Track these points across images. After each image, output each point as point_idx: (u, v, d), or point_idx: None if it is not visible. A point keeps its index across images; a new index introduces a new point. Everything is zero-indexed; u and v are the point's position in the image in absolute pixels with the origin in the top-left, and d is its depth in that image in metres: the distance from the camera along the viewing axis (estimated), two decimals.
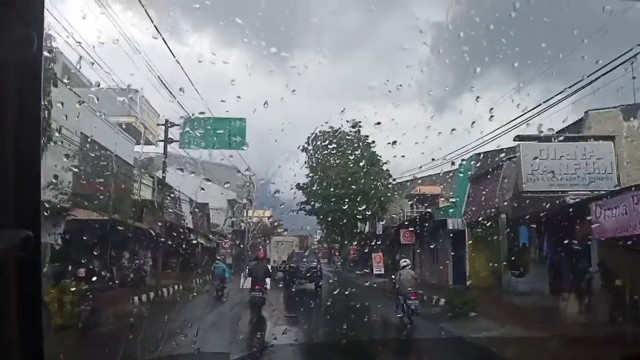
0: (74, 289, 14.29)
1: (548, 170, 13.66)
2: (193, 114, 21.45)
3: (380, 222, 34.11)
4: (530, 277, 17.76)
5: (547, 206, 15.13)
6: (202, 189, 39.71)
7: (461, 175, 23.75)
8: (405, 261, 15.42)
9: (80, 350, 9.82)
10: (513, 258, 18.40)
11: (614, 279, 12.73)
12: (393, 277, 15.66)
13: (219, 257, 33.13)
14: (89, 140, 20.13)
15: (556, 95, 14.54)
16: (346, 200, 38.64)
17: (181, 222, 34.37)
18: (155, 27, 24.93)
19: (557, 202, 14.83)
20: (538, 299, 15.56)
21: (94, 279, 15.78)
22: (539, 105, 15.66)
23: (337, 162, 39.29)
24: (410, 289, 13.76)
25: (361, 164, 39.36)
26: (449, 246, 26.70)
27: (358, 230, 44.30)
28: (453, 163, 22.86)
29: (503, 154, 18.93)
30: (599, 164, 13.58)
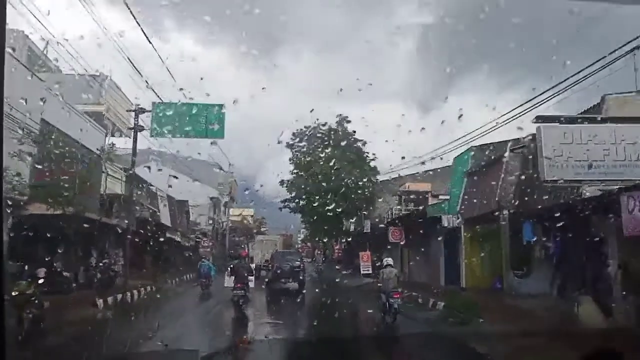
0: (29, 291, 12.40)
1: (573, 156, 12.02)
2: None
3: (368, 220, 32.49)
4: (535, 278, 16.20)
5: (559, 199, 13.64)
6: (174, 177, 37.12)
7: (458, 169, 22.18)
8: (388, 259, 15.18)
9: None
10: (516, 257, 16.87)
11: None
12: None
13: (204, 256, 33.20)
14: (50, 127, 18.21)
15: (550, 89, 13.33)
16: (331, 196, 37.01)
17: (157, 219, 32.32)
18: (137, 23, 23.01)
19: (574, 193, 13.28)
20: (547, 302, 13.98)
21: (48, 280, 13.88)
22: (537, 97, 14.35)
23: (322, 157, 37.60)
24: (393, 287, 13.67)
25: (347, 159, 37.74)
26: (441, 245, 25.15)
27: (344, 229, 42.63)
28: (441, 158, 21.68)
29: (510, 143, 17.36)
30: (632, 149, 12.01)
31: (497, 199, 17.70)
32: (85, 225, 18.37)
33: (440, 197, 33.80)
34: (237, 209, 73.08)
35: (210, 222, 54.99)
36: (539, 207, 14.57)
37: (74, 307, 14.71)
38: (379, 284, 14.47)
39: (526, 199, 15.98)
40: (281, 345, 9.47)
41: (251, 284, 17.33)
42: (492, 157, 18.83)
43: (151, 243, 29.68)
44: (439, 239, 25.13)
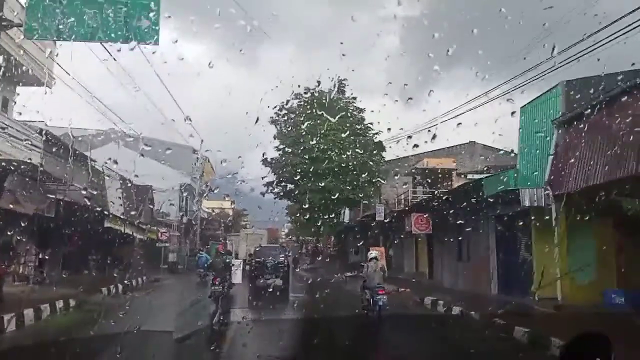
0: None
1: None
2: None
3: (382, 205, 24.80)
4: None
5: None
6: (141, 155, 30.73)
7: (534, 120, 14.61)
8: (372, 252, 14.32)
9: None
10: None
11: None
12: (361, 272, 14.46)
13: (200, 248, 32.44)
14: None
15: None
16: (328, 177, 29.38)
17: (98, 204, 24.36)
18: None
19: None
20: None
21: None
22: None
23: (315, 129, 29.88)
24: (378, 283, 12.67)
25: (347, 131, 30.11)
26: (491, 236, 17.75)
27: (342, 219, 35.06)
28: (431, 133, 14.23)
29: None
30: None
31: (633, 159, 10.18)
32: None
33: (468, 176, 26.53)
34: (215, 201, 65.69)
35: (181, 213, 46.96)
36: None
37: None
38: (363, 280, 13.44)
39: None
40: (252, 327, 11.66)
41: (237, 280, 17.37)
42: (613, 94, 11.24)
43: (81, 236, 21.99)
44: (488, 227, 17.77)
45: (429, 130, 20.49)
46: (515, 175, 14.40)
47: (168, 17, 13.71)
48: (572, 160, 12.28)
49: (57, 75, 19.30)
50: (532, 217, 14.32)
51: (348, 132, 29.27)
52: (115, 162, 26.62)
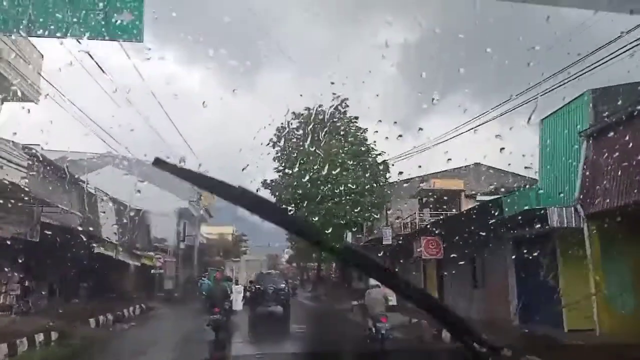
0: None
1: None
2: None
3: (388, 228, 23.46)
4: None
5: None
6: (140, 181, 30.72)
7: (557, 132, 13.40)
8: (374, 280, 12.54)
9: None
10: None
11: None
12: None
13: (203, 275, 31.33)
14: None
15: None
16: (330, 200, 28.17)
17: (90, 229, 23.07)
18: None
19: None
20: None
21: None
22: None
23: (316, 150, 28.77)
24: (380, 311, 12.03)
25: (350, 152, 29.00)
26: (509, 259, 16.46)
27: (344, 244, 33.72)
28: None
29: None
30: None
31: None
32: None
33: (478, 197, 25.34)
34: (214, 227, 64.25)
35: (181, 238, 45.47)
36: None
37: None
38: (363, 307, 13.08)
39: None
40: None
41: (238, 307, 17.77)
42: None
43: (70, 262, 20.68)
44: (506, 250, 16.51)
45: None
46: (537, 193, 13.18)
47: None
48: (606, 175, 11.09)
49: (44, 90, 18.30)
50: (558, 239, 13.08)
51: (350, 153, 28.16)
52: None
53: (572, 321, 12.53)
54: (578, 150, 12.26)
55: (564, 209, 11.84)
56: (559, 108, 13.52)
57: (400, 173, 36.21)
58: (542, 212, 11.96)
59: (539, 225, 12.64)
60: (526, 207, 12.47)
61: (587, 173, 12.00)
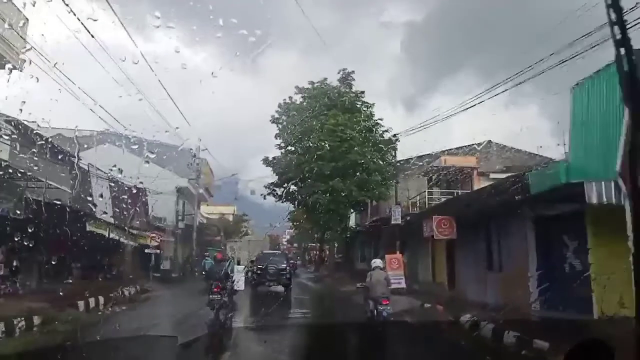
0: None
1: None
2: None
3: (398, 207, 22.15)
4: None
5: None
6: (146, 162, 29.32)
7: (591, 99, 12.01)
8: (376, 261, 13.50)
9: None
10: None
11: None
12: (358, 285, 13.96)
13: (206, 254, 30.78)
14: None
15: None
16: (335, 178, 26.91)
17: (82, 206, 21.87)
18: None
19: None
20: None
21: None
22: None
23: (320, 126, 27.45)
24: (382, 293, 12.32)
25: (355, 128, 27.63)
26: (529, 240, 15.23)
27: (349, 224, 32.50)
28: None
29: None
30: None
31: None
32: None
33: (491, 175, 24.08)
34: (214, 206, 63.09)
35: (180, 217, 44.35)
36: None
37: None
38: (365, 289, 12.91)
39: None
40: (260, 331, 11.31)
41: (240, 287, 17.54)
42: None
43: (61, 241, 19.48)
44: (526, 230, 15.30)
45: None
46: (568, 167, 11.87)
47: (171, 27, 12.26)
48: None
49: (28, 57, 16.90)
50: (590, 217, 11.82)
51: (356, 127, 26.82)
52: (120, 168, 24.38)
53: (604, 306, 11.33)
54: (619, 118, 10.92)
55: (602, 183, 10.55)
56: (593, 73, 12.14)
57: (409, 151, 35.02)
58: (577, 188, 10.65)
59: (571, 203, 11.35)
60: (560, 182, 11.14)
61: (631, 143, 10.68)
